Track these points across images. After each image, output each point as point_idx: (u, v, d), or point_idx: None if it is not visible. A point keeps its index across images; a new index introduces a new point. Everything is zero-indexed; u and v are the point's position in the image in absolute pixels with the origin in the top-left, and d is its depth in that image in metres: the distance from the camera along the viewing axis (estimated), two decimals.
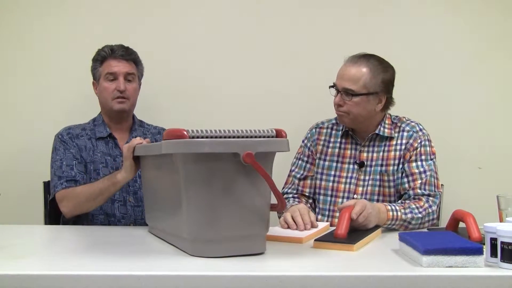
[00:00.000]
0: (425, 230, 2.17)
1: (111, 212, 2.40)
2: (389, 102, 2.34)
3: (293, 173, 2.47)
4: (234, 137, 1.65)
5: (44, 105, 2.91)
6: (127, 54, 2.47)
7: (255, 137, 1.67)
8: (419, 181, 2.26)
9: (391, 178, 2.32)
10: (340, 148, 2.41)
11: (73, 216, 2.31)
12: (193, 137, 1.61)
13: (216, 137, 1.63)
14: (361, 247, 1.84)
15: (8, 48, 2.92)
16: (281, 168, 2.35)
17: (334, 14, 2.99)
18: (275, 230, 2.05)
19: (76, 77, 2.87)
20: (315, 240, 1.87)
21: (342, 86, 2.27)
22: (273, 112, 2.96)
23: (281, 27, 2.99)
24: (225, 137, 1.64)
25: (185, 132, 1.61)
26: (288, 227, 2.08)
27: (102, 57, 2.46)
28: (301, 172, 2.45)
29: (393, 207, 2.13)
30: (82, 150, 2.43)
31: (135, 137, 2.47)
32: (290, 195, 2.43)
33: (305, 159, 2.46)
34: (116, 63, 2.44)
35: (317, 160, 2.43)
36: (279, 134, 1.71)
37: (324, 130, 2.47)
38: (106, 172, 2.40)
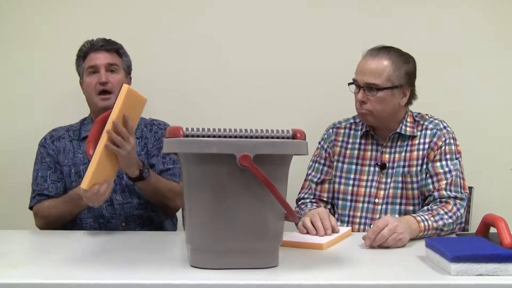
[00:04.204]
0: (454, 235, 2.17)
1: (98, 214, 2.43)
2: (412, 95, 2.36)
3: (310, 177, 2.47)
4: (240, 137, 1.61)
5: (37, 107, 2.97)
6: (108, 45, 2.50)
7: (267, 137, 1.63)
8: (444, 182, 2.27)
9: (414, 179, 2.33)
10: (359, 149, 2.42)
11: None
12: (187, 136, 1.60)
13: (218, 136, 1.60)
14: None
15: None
16: (297, 172, 2.35)
17: (350, 8, 3.00)
18: (294, 235, 2.05)
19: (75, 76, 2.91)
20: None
21: (365, 81, 2.29)
22: (287, 111, 2.98)
23: (295, 21, 3.00)
24: (229, 137, 1.60)
25: (181, 130, 1.60)
26: (307, 233, 2.09)
27: (83, 52, 2.51)
28: (318, 175, 2.46)
29: (422, 217, 2.10)
30: (60, 153, 2.49)
31: None
32: (308, 200, 2.43)
33: (322, 161, 2.47)
34: (96, 56, 2.47)
35: (335, 163, 2.44)
36: (295, 135, 1.66)
37: (342, 131, 2.47)
38: None
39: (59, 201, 2.37)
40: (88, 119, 2.57)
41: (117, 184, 2.43)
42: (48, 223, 2.38)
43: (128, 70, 2.56)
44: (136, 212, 2.45)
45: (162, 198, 2.38)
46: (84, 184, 1.98)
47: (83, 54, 2.51)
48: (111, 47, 2.50)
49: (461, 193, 2.27)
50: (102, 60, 2.46)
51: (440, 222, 2.14)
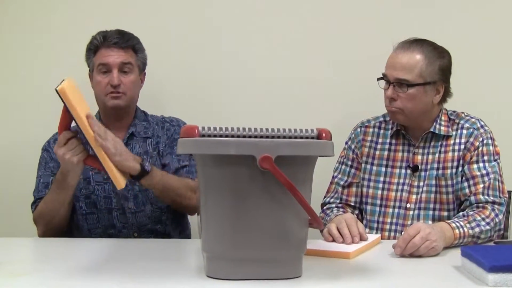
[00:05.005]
0: (492, 243, 2.14)
1: (109, 224, 2.38)
2: (446, 92, 2.33)
3: (336, 180, 2.44)
4: (260, 137, 1.58)
5: (40, 108, 2.94)
6: (123, 41, 2.40)
7: (289, 137, 1.59)
8: (481, 185, 2.23)
9: (449, 183, 2.29)
10: (389, 150, 2.39)
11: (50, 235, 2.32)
12: (204, 136, 1.57)
13: (237, 136, 1.57)
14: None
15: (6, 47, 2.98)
16: (322, 175, 2.28)
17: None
18: (318, 243, 2.03)
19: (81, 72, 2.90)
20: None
21: (395, 77, 2.25)
22: (311, 109, 2.94)
23: (320, 15, 2.97)
24: (249, 137, 1.58)
25: (197, 130, 1.57)
26: (333, 240, 2.06)
27: (94, 46, 2.40)
28: (345, 178, 2.43)
29: (457, 224, 2.07)
30: None
31: (132, 133, 2.46)
32: (333, 205, 2.40)
33: (349, 163, 2.44)
34: (109, 53, 2.37)
35: (363, 165, 2.41)
36: (320, 135, 1.63)
37: (371, 130, 2.44)
38: (99, 178, 2.38)
39: (49, 193, 2.30)
40: (97, 118, 2.48)
41: (129, 190, 2.38)
42: (46, 223, 2.29)
43: (142, 66, 2.49)
44: (149, 221, 2.41)
45: (175, 195, 2.29)
46: (118, 184, 2.00)
47: (94, 48, 2.41)
48: (126, 44, 2.40)
49: (500, 197, 2.23)
50: (115, 59, 2.37)
51: (477, 229, 2.09)
